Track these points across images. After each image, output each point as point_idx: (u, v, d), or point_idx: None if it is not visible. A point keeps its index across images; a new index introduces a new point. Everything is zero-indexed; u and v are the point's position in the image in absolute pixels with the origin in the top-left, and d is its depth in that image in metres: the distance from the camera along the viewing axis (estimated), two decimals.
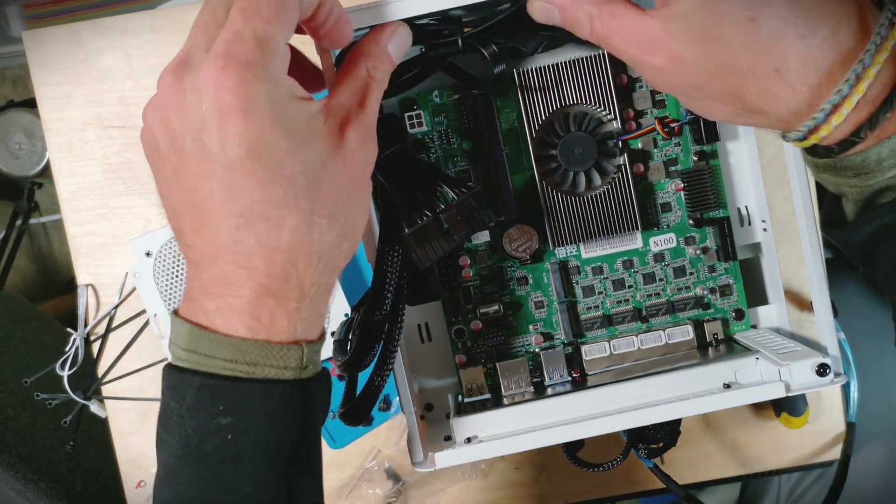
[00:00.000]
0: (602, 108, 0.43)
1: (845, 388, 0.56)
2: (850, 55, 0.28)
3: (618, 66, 0.44)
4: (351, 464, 0.62)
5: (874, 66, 0.28)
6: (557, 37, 0.37)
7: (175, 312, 0.31)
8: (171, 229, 0.31)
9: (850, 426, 0.53)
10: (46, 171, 1.26)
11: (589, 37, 0.34)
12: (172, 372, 0.30)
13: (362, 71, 0.33)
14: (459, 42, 0.37)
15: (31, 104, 1.27)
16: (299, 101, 0.30)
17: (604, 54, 0.43)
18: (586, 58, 0.43)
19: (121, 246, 0.62)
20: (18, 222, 1.28)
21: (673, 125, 0.44)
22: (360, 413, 0.38)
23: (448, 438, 0.43)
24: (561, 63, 0.43)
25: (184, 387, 0.29)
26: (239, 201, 0.28)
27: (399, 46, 0.35)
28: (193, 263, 0.30)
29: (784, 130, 0.31)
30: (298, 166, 0.29)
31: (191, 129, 0.28)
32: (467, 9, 0.37)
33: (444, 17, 0.38)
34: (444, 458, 0.39)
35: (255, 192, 0.28)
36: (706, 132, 0.44)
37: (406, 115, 0.44)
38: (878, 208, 0.32)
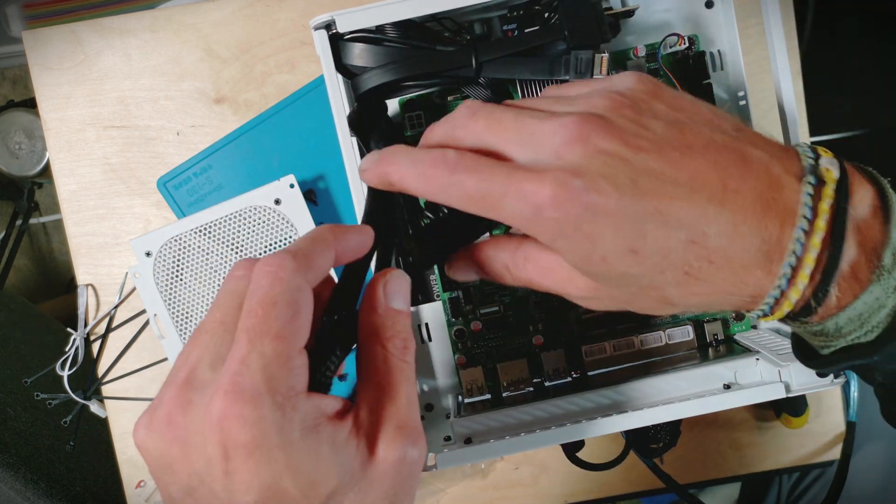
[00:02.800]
0: None
1: (845, 389, 0.56)
2: (766, 237, 0.26)
3: (619, 67, 0.44)
4: None
5: (811, 251, 0.26)
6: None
7: None
8: None
9: (851, 426, 0.53)
10: (46, 171, 1.26)
11: (513, 283, 0.33)
12: None
13: (377, 353, 0.29)
14: (476, 77, 0.37)
15: (30, 104, 1.27)
16: (321, 430, 0.26)
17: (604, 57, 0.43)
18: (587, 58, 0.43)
19: (121, 246, 0.62)
20: (18, 222, 1.28)
21: None
22: None
23: (448, 439, 0.43)
24: None
25: None
26: None
27: (400, 292, 0.30)
28: None
29: (745, 311, 0.30)
30: None
31: (194, 474, 0.26)
32: (469, 9, 0.37)
33: (458, 26, 0.38)
34: (445, 459, 0.39)
35: None
36: None
37: (406, 115, 0.44)
38: (844, 354, 0.30)
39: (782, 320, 0.30)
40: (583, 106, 0.29)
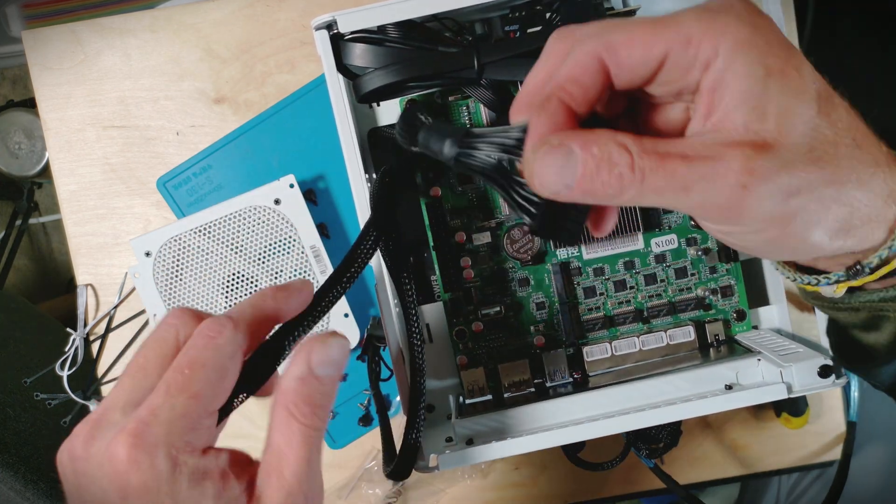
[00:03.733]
0: None
1: (846, 389, 0.56)
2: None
3: None
4: (351, 464, 0.62)
5: None
6: None
7: None
8: None
9: (851, 425, 0.53)
10: (46, 171, 1.26)
11: (634, 198, 0.25)
12: None
13: (281, 415, 0.29)
14: (478, 79, 0.37)
15: (30, 104, 1.27)
16: (206, 485, 0.27)
17: None
18: None
19: (120, 246, 0.62)
20: (18, 222, 1.28)
21: None
22: (404, 471, 0.39)
23: (449, 440, 0.43)
24: None
25: None
26: None
27: (330, 362, 0.29)
28: None
29: (859, 261, 0.29)
30: None
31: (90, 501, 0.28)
32: (470, 10, 0.37)
33: (459, 26, 0.38)
34: (446, 460, 0.39)
35: None
36: None
37: None
38: None
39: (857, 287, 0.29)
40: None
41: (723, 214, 0.26)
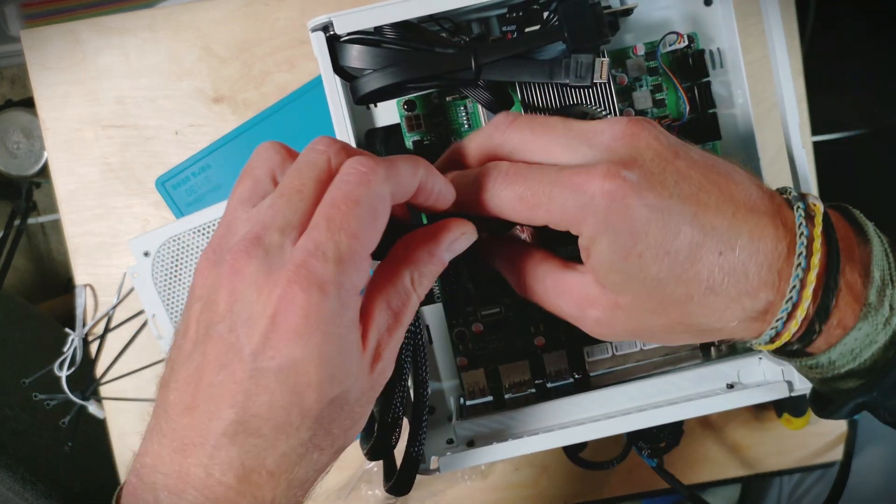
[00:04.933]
0: (602, 107, 0.43)
1: None
2: (775, 255, 0.29)
3: (618, 66, 0.44)
4: (351, 464, 0.62)
5: (813, 270, 0.28)
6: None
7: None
8: (157, 394, 0.29)
9: (853, 423, 0.53)
10: (44, 171, 1.25)
11: (523, 290, 0.34)
12: None
13: (406, 282, 0.30)
14: (475, 80, 0.37)
15: (29, 103, 1.26)
16: (353, 333, 0.28)
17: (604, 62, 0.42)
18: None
19: (119, 246, 0.62)
20: (16, 222, 1.28)
21: (674, 125, 0.44)
22: (405, 486, 0.38)
23: (451, 441, 0.42)
24: None
25: None
26: (240, 409, 0.26)
27: (460, 249, 0.31)
28: (158, 442, 0.28)
29: (751, 338, 0.31)
30: (320, 405, 0.27)
31: (229, 318, 0.27)
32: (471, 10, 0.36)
33: (456, 27, 0.38)
34: (447, 462, 0.39)
35: (262, 408, 0.26)
36: (707, 132, 0.44)
37: (405, 116, 0.44)
38: (845, 394, 0.31)
39: (782, 352, 0.32)
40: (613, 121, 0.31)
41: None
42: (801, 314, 0.29)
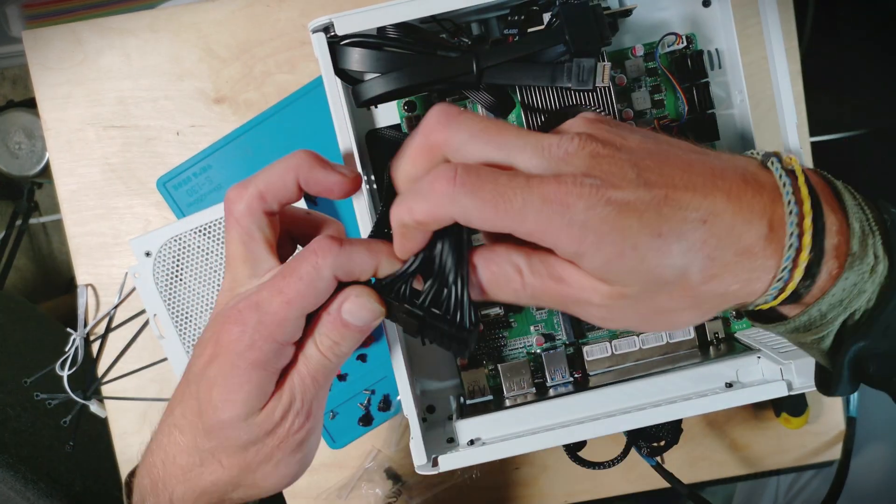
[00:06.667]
0: (601, 108, 0.43)
1: None
2: (760, 210, 0.29)
3: (617, 67, 0.44)
4: (351, 464, 0.62)
5: (807, 217, 0.29)
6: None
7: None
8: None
9: (851, 420, 0.53)
10: (46, 171, 1.26)
11: (522, 293, 0.31)
12: None
13: (306, 343, 0.34)
14: (477, 83, 0.37)
15: (30, 104, 1.27)
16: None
17: (606, 66, 0.43)
18: None
19: (120, 246, 0.62)
20: (18, 222, 1.28)
21: (673, 125, 0.44)
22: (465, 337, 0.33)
23: (451, 441, 0.43)
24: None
25: None
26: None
27: (358, 313, 0.33)
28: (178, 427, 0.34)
29: (754, 299, 0.31)
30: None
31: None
32: (472, 11, 0.37)
33: (457, 28, 0.38)
34: (448, 461, 0.39)
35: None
36: (706, 132, 0.44)
37: (406, 116, 0.44)
38: (844, 345, 0.31)
39: (775, 315, 0.32)
40: (561, 133, 0.30)
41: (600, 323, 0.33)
42: (803, 260, 0.29)
